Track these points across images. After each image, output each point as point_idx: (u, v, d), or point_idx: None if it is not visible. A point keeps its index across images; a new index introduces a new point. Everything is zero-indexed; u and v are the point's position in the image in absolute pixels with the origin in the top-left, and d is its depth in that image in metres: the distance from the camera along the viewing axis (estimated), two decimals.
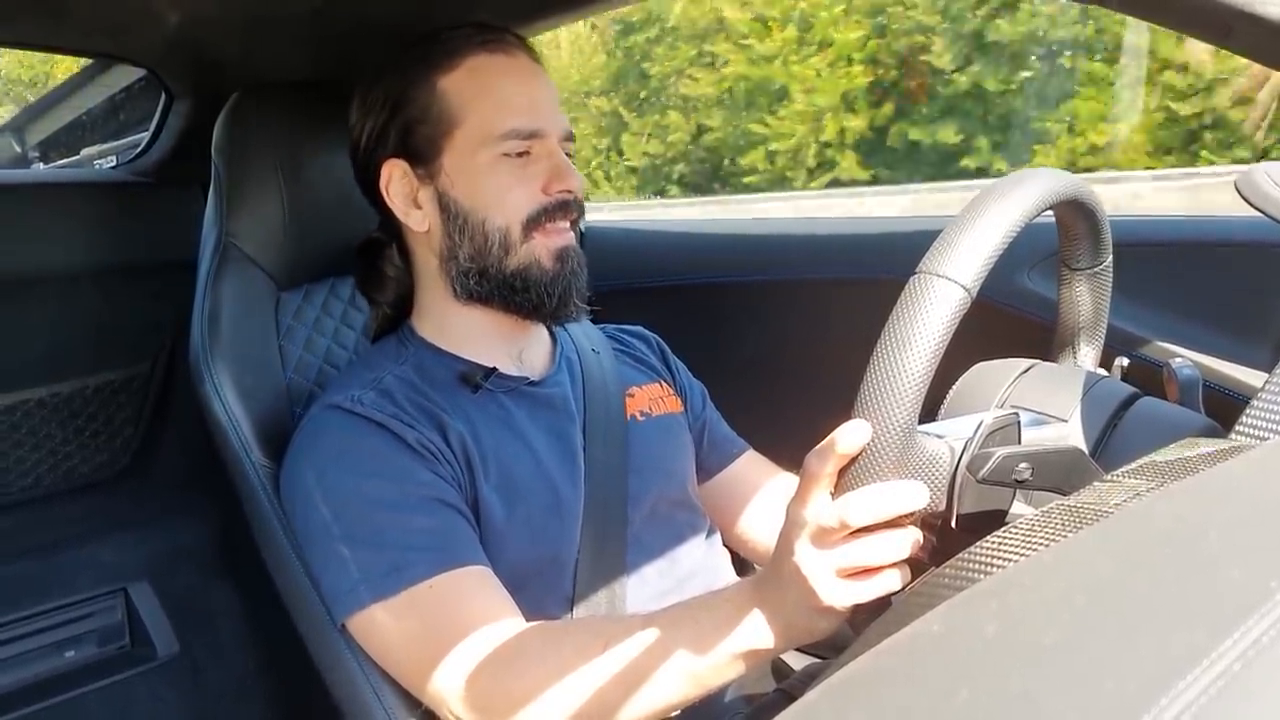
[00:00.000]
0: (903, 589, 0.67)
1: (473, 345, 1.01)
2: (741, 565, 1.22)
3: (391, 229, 1.04)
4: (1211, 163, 6.50)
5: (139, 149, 1.55)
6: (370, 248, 1.07)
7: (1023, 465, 0.65)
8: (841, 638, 0.69)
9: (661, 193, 9.61)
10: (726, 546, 1.15)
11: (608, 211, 4.89)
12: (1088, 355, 0.90)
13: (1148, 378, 0.89)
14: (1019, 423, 0.70)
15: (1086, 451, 0.73)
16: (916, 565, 0.67)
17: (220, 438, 1.01)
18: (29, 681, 1.44)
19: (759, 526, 1.15)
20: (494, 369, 0.99)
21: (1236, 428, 0.58)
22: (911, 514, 0.64)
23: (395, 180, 0.98)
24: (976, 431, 0.66)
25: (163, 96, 1.44)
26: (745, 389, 1.26)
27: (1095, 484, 0.54)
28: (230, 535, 1.62)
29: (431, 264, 1.01)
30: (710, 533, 1.11)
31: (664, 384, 1.16)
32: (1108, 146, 7.05)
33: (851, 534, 0.64)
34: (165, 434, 1.63)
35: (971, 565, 0.49)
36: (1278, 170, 0.74)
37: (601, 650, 0.75)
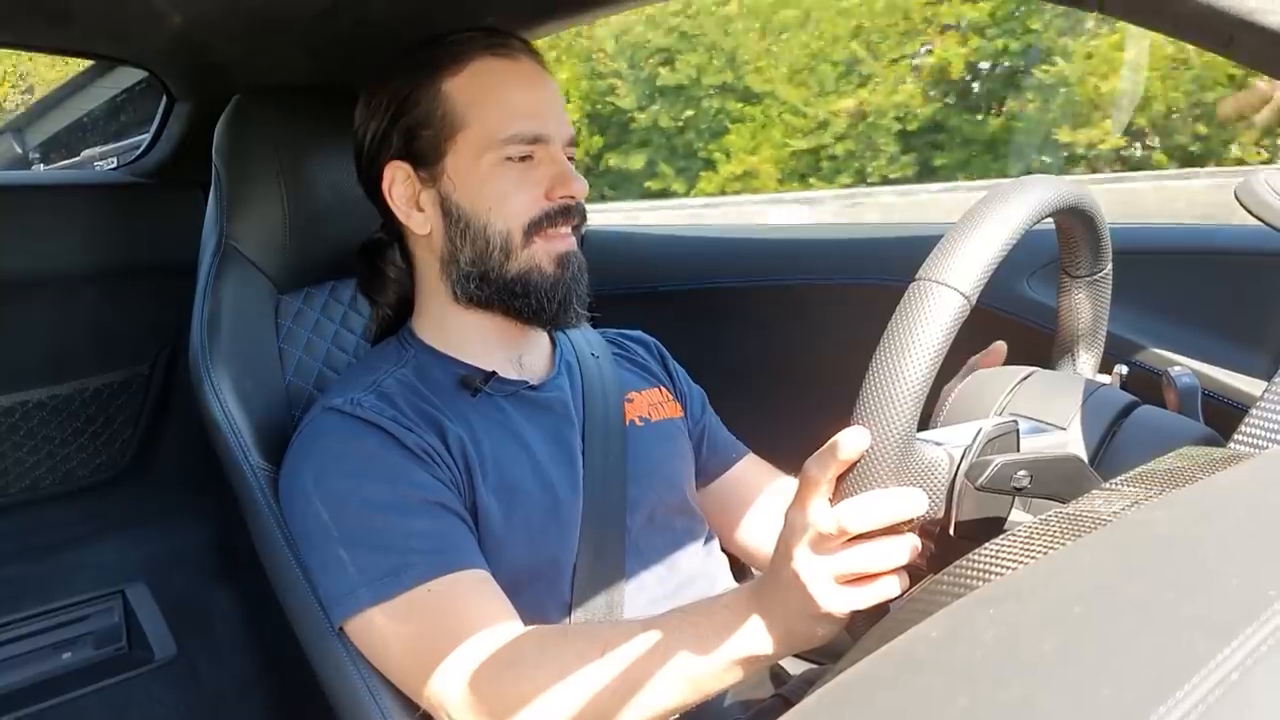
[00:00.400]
0: (901, 596, 0.67)
1: (472, 349, 1.01)
2: (740, 571, 1.22)
3: (394, 231, 1.04)
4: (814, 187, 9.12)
5: (140, 151, 1.55)
6: (372, 249, 1.07)
7: (1021, 473, 0.65)
8: (840, 644, 0.69)
9: None
10: (725, 552, 1.14)
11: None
12: (1087, 363, 0.90)
13: (1147, 386, 0.89)
14: (1018, 430, 0.70)
15: (1085, 459, 0.73)
16: (915, 572, 0.67)
17: (219, 440, 1.01)
18: (26, 683, 1.44)
19: (759, 531, 1.14)
20: (493, 373, 0.99)
21: (1235, 436, 0.58)
22: (910, 521, 0.64)
23: (398, 183, 0.99)
24: (975, 439, 0.66)
25: (164, 99, 1.44)
26: (744, 394, 1.26)
27: (1094, 492, 0.54)
28: (229, 538, 1.62)
29: (432, 267, 1.01)
30: (709, 539, 1.11)
31: (663, 389, 1.16)
32: (747, 174, 9.20)
33: (850, 540, 0.64)
34: (164, 436, 1.63)
35: (970, 572, 0.49)
36: (1278, 179, 0.74)
37: (600, 655, 0.75)
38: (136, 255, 1.51)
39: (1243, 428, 0.57)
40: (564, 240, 0.98)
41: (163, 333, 1.54)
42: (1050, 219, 0.75)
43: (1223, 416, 0.86)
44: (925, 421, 0.72)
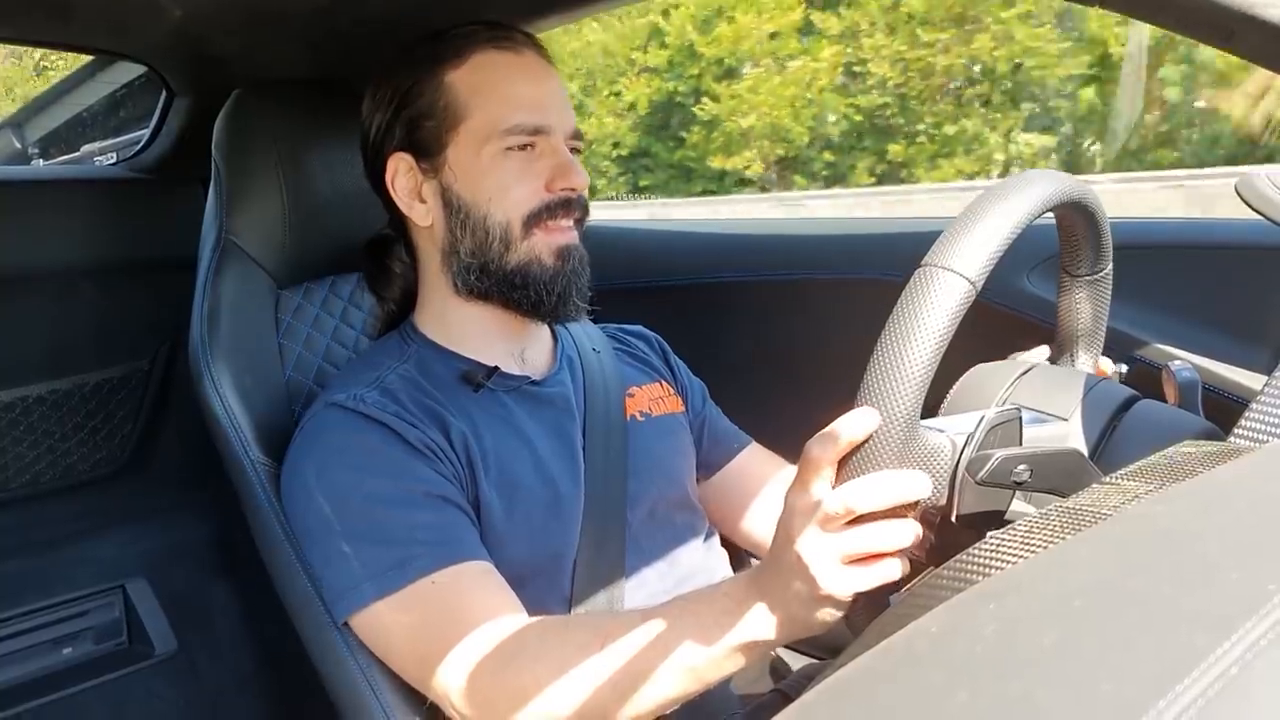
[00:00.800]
0: (901, 589, 0.67)
1: (474, 343, 1.01)
2: (740, 566, 1.22)
3: (399, 224, 1.04)
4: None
5: (139, 146, 1.55)
6: (378, 245, 1.07)
7: (1021, 467, 0.65)
8: (839, 639, 0.69)
9: None
10: (726, 547, 1.14)
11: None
12: (1086, 363, 0.90)
13: (1147, 380, 0.89)
14: (1020, 419, 0.70)
15: (1086, 453, 0.73)
16: (915, 564, 0.67)
17: (219, 435, 1.01)
18: (27, 678, 1.44)
19: (765, 521, 1.14)
20: (496, 368, 0.99)
21: (1235, 430, 0.58)
22: (914, 505, 0.64)
23: (400, 174, 0.99)
24: (978, 426, 0.66)
25: (163, 93, 1.44)
26: (744, 389, 1.26)
27: (1094, 486, 0.54)
28: (229, 533, 1.63)
29: (434, 259, 1.01)
30: (709, 535, 1.11)
31: (665, 384, 1.15)
32: None
33: (854, 521, 0.64)
34: (164, 431, 1.63)
35: (970, 566, 0.49)
36: (1278, 174, 0.74)
37: (601, 646, 0.75)
38: (136, 250, 1.51)
39: (1243, 422, 0.57)
40: (565, 233, 0.97)
41: (162, 328, 1.54)
42: (1052, 216, 0.75)
43: (1223, 410, 0.86)
44: (931, 414, 0.72)
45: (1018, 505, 0.68)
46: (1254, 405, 0.57)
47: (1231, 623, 0.29)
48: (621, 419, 1.05)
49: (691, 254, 1.66)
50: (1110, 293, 0.88)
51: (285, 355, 1.10)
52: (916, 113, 10.04)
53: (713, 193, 11.15)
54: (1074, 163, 9.28)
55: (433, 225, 0.99)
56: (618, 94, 11.92)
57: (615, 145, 11.71)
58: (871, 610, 0.66)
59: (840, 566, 0.65)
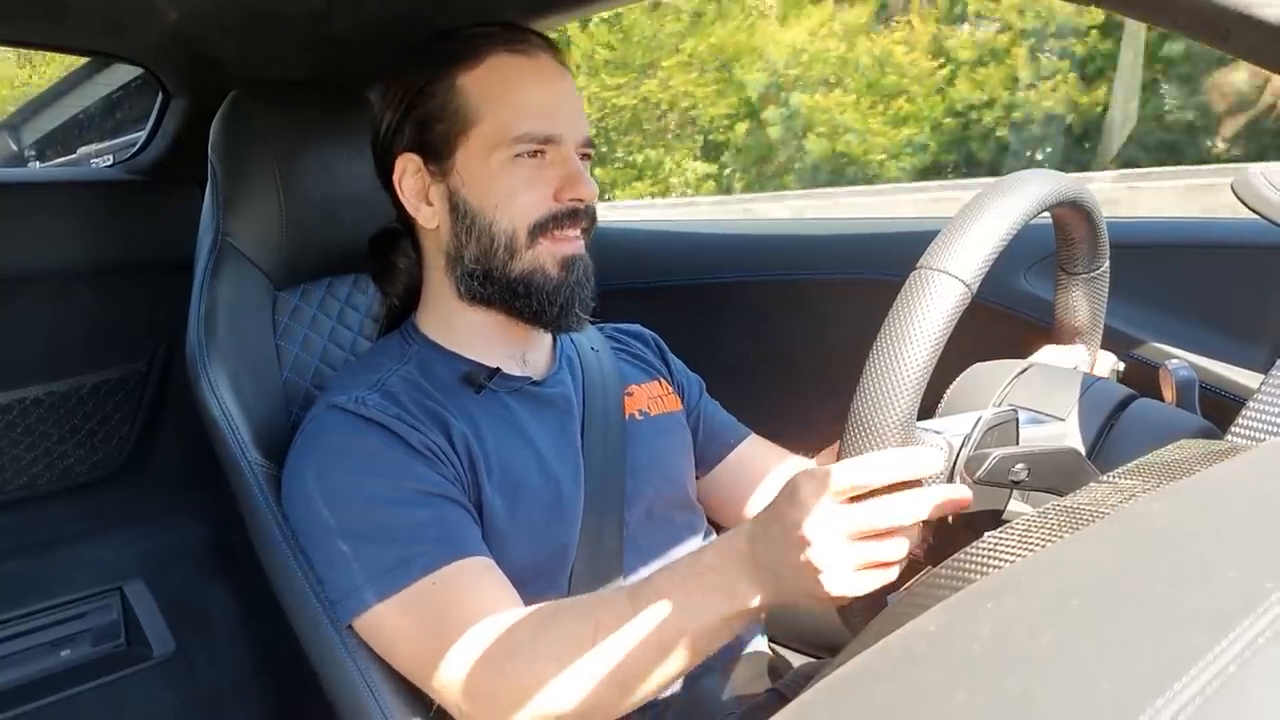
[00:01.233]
0: (899, 588, 0.67)
1: (477, 346, 1.00)
2: None
3: (406, 223, 1.04)
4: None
5: (136, 147, 1.55)
6: (384, 239, 1.07)
7: (1019, 466, 0.65)
8: (836, 638, 0.69)
9: None
10: None
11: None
12: (1084, 359, 0.91)
13: (1144, 379, 0.89)
14: (1017, 420, 0.70)
15: (1083, 452, 0.73)
16: (913, 565, 0.67)
17: (216, 437, 1.01)
18: (25, 680, 1.44)
19: None
20: (498, 369, 0.99)
21: (1232, 429, 0.58)
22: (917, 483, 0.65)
23: (408, 174, 0.98)
24: (975, 427, 0.66)
25: (159, 95, 1.44)
26: (741, 390, 1.26)
27: (1091, 485, 0.54)
28: (226, 535, 1.62)
29: (438, 262, 1.00)
30: (708, 534, 1.11)
31: (663, 381, 1.16)
32: None
33: (859, 498, 0.65)
34: (161, 433, 1.62)
35: (968, 566, 0.49)
36: (1274, 173, 0.74)
37: (594, 637, 0.75)
38: (133, 252, 1.51)
39: (1240, 420, 0.57)
40: (571, 243, 0.97)
41: (159, 329, 1.54)
42: (1048, 215, 0.75)
43: (1220, 409, 0.87)
44: (928, 414, 0.72)
45: (1015, 505, 0.68)
46: (1251, 403, 0.57)
47: (1229, 621, 0.29)
48: (620, 418, 1.05)
49: (690, 254, 1.66)
50: (1106, 291, 0.88)
51: (282, 356, 1.10)
52: (615, 142, 12.07)
53: None
54: (730, 187, 11.66)
55: (438, 228, 0.98)
56: None
57: None
58: (869, 610, 0.66)
59: (846, 543, 0.65)
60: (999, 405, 0.78)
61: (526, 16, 1.20)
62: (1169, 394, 0.82)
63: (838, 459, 0.66)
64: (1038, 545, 0.46)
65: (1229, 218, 1.17)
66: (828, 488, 0.65)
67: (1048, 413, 0.77)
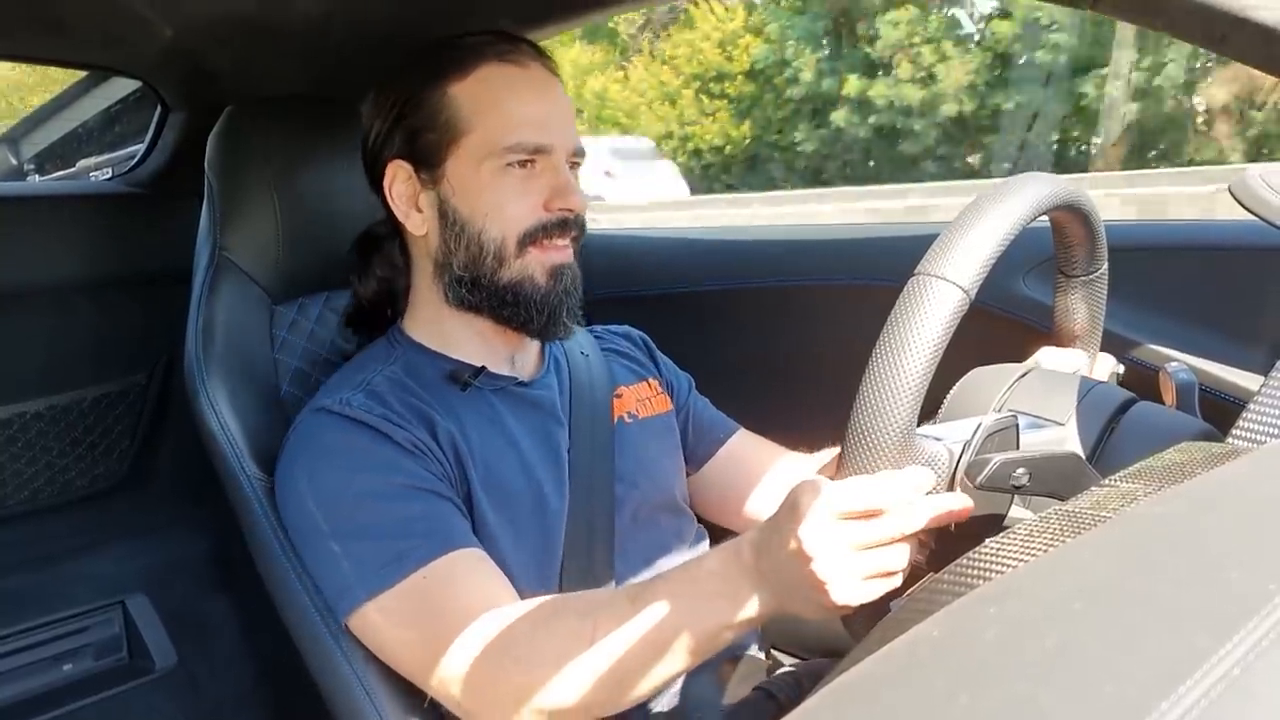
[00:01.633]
0: (902, 595, 0.67)
1: (465, 348, 1.01)
2: None
3: (394, 227, 1.04)
4: None
5: (134, 161, 1.55)
6: (368, 239, 1.07)
7: (1020, 471, 0.65)
8: (824, 640, 0.69)
9: None
10: (728, 535, 1.14)
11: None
12: (1084, 362, 0.91)
13: (1144, 382, 0.89)
14: (1017, 426, 0.70)
15: (1084, 456, 0.73)
16: (915, 571, 0.67)
17: (215, 451, 1.01)
18: (27, 695, 1.43)
19: (766, 503, 1.12)
20: (483, 368, 0.99)
21: (1233, 431, 0.58)
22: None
23: (398, 181, 0.98)
24: (975, 433, 0.66)
25: (158, 109, 1.44)
26: (732, 397, 1.26)
27: (1093, 489, 0.54)
28: (227, 548, 1.62)
29: (427, 268, 1.01)
30: (697, 538, 1.10)
31: (652, 381, 1.15)
32: None
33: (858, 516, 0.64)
34: (162, 446, 1.62)
35: (970, 571, 0.49)
36: (1272, 174, 0.75)
37: (592, 638, 0.75)
38: (132, 265, 1.51)
39: (1240, 422, 0.57)
40: (560, 252, 0.97)
41: (159, 342, 1.54)
42: (1046, 219, 0.75)
43: (1220, 411, 0.87)
44: (928, 418, 0.72)
45: (1017, 510, 0.68)
46: (1251, 406, 0.57)
47: (1233, 623, 0.29)
48: (608, 423, 1.05)
49: (677, 262, 1.66)
50: (1105, 294, 0.88)
51: (280, 370, 1.10)
52: None
53: None
54: None
55: (427, 235, 0.99)
56: None
57: None
58: (872, 616, 0.66)
59: (850, 554, 0.65)
60: (999, 410, 0.78)
61: (520, 26, 1.20)
62: (1169, 397, 0.82)
63: (838, 467, 0.66)
64: (1040, 549, 0.46)
65: (1227, 220, 1.17)
66: (828, 502, 0.65)
67: (1048, 417, 0.76)
